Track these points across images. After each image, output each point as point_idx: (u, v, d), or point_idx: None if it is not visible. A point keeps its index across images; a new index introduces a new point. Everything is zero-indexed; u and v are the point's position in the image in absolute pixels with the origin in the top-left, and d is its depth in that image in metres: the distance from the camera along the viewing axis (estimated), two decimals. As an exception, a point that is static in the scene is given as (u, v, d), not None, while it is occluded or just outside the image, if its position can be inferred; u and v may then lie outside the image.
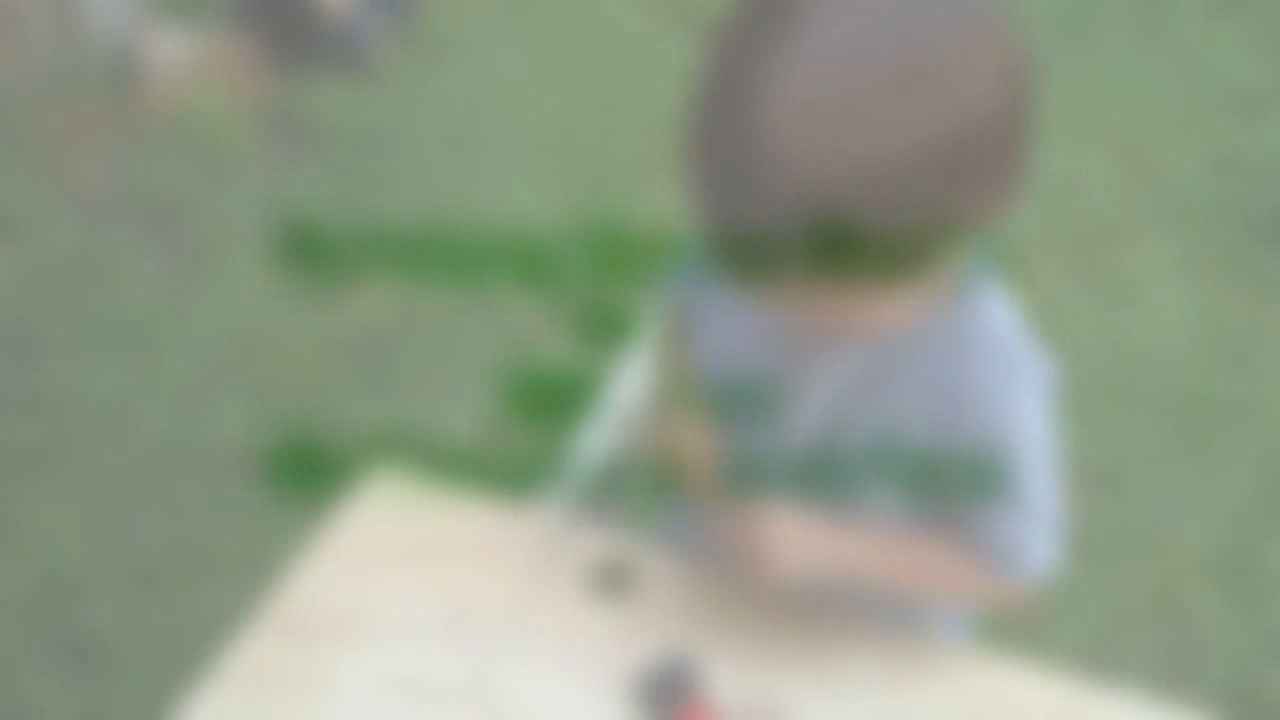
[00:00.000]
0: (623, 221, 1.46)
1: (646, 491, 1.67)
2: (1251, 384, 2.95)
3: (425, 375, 2.90)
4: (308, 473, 1.66)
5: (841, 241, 1.03)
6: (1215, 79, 4.04)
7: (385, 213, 3.33)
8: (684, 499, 1.56)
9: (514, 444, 2.71)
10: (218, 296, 3.04)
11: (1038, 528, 1.30)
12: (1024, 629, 2.37)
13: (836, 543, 1.32)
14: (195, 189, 3.34)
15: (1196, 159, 3.66)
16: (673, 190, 3.56)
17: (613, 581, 1.47)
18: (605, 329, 2.93)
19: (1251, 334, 3.09)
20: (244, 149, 3.48)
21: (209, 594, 2.40)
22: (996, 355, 1.22)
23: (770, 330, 1.29)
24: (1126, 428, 2.83)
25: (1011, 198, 1.10)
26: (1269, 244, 3.38)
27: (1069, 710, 1.36)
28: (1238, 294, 3.21)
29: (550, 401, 1.73)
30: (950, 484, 1.27)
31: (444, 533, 1.51)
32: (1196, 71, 4.09)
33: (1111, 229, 3.41)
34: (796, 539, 1.31)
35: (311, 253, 2.01)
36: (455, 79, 3.84)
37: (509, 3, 4.21)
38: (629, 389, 1.80)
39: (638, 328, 1.66)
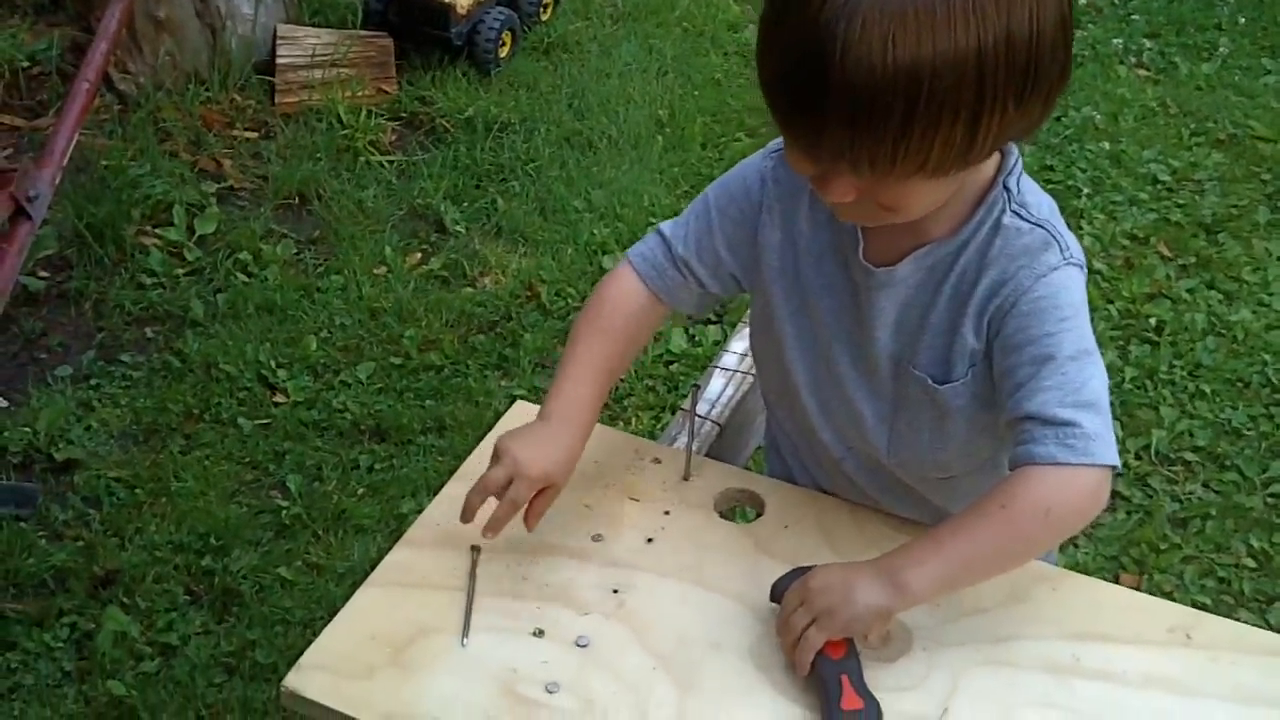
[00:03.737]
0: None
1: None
2: (1361, 371, 2.96)
3: (548, 352, 3.02)
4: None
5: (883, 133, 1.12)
6: (1327, 79, 4.04)
7: (507, 201, 3.47)
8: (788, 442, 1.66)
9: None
10: (349, 277, 3.20)
11: (1099, 426, 1.30)
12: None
13: (906, 554, 1.33)
14: (327, 178, 3.51)
15: (1308, 156, 3.67)
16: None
17: (738, 507, 1.57)
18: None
19: (1361, 323, 3.10)
20: (374, 141, 3.65)
21: (342, 547, 2.54)
22: (1035, 234, 1.31)
23: (844, 249, 1.39)
24: (1240, 414, 2.85)
25: (1044, 114, 1.20)
26: (1380, 238, 3.38)
27: (1181, 627, 1.41)
28: (1348, 285, 3.21)
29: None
30: None
31: (584, 459, 1.60)
32: (1308, 72, 4.09)
33: (1224, 222, 3.43)
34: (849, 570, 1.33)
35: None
36: (572, 78, 3.98)
37: (625, 7, 4.35)
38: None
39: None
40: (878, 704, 1.30)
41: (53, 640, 2.36)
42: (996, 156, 1.33)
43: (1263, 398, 2.88)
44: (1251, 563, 2.51)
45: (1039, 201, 1.35)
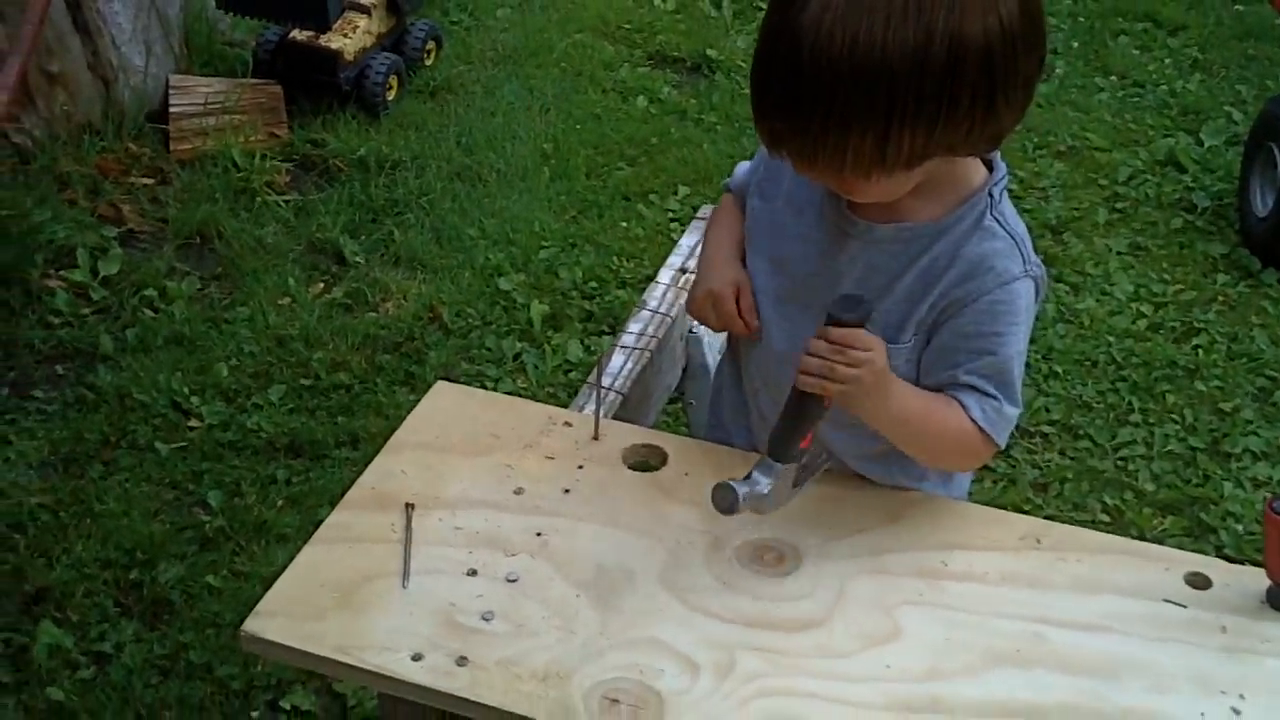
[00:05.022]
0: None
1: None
2: (1193, 348, 3.28)
3: (453, 366, 3.18)
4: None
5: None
6: (1152, 96, 4.42)
7: (404, 232, 3.63)
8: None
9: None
10: (255, 308, 3.32)
11: (1013, 412, 1.58)
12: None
13: (900, 388, 1.55)
14: (226, 218, 3.63)
15: (1140, 163, 4.02)
16: (651, 205, 3.94)
17: (644, 460, 1.75)
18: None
19: (1193, 306, 3.43)
20: (270, 182, 3.79)
21: (266, 555, 2.66)
22: (1006, 241, 1.53)
23: (829, 204, 1.60)
24: (1089, 389, 3.14)
25: (977, 136, 1.40)
26: (1206, 231, 3.73)
27: (1031, 534, 1.63)
28: (1179, 274, 3.55)
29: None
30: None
31: (501, 426, 1.77)
32: (1136, 90, 4.47)
33: (1067, 223, 3.75)
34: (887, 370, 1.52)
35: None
36: (458, 117, 4.17)
37: (505, 50, 4.56)
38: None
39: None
40: (826, 453, 1.56)
41: (-13, 656, 2.44)
42: (983, 168, 1.54)
43: (1109, 374, 3.18)
44: (1106, 518, 2.78)
45: (1016, 218, 1.56)
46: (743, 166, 1.78)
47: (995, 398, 1.56)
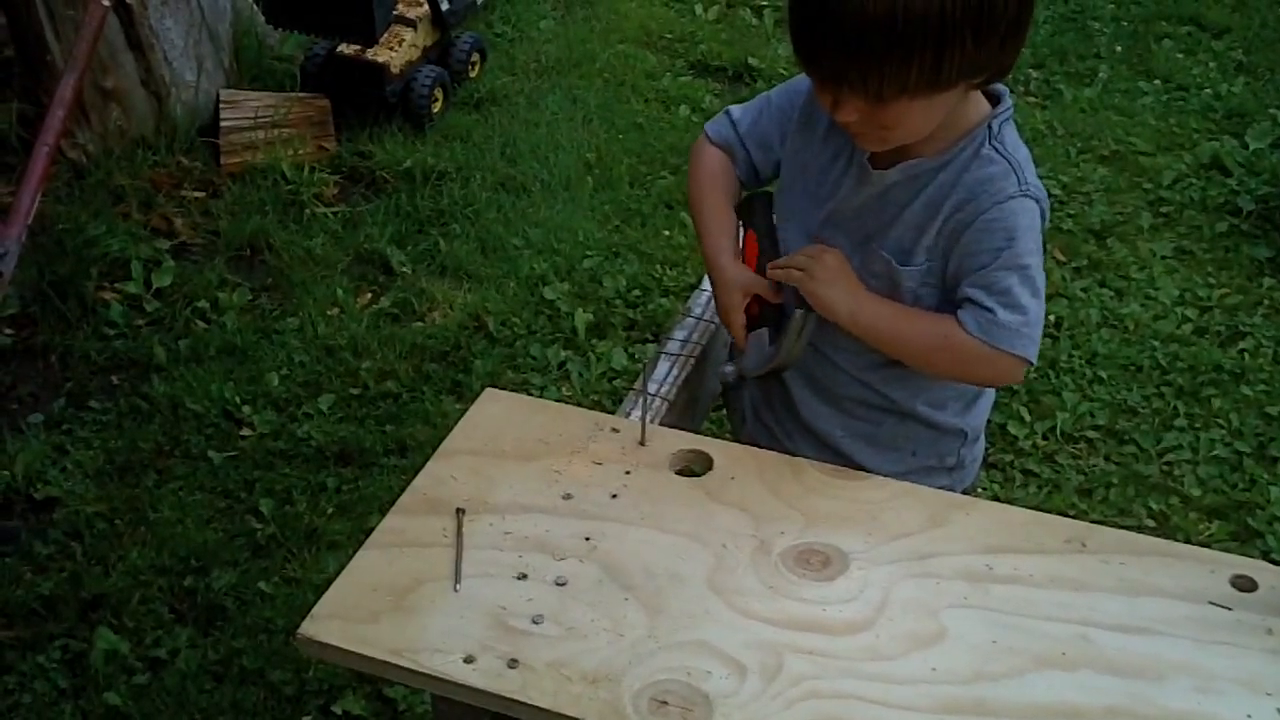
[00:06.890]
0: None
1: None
2: (1239, 352, 3.26)
3: (498, 375, 3.22)
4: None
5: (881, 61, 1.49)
6: (1196, 100, 4.40)
7: (449, 242, 3.68)
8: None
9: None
10: (305, 319, 3.37)
11: (1012, 319, 1.64)
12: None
13: (874, 297, 1.72)
14: (276, 230, 3.69)
15: (1184, 166, 4.00)
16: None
17: (690, 465, 1.77)
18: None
19: (1238, 310, 3.41)
20: (318, 195, 3.84)
21: (317, 561, 2.71)
22: (1002, 165, 1.64)
23: (854, 154, 1.72)
24: (1134, 394, 3.13)
25: (1002, 56, 1.54)
26: (1251, 235, 3.71)
27: (1076, 537, 1.64)
28: (1225, 277, 3.53)
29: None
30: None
31: (550, 432, 1.80)
32: (1180, 94, 4.45)
33: (1111, 228, 3.74)
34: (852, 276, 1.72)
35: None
36: (502, 129, 4.21)
37: (548, 62, 4.60)
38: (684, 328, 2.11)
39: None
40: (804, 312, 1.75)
41: (46, 661, 2.50)
42: (985, 104, 1.67)
43: (1154, 379, 3.17)
44: (1151, 523, 2.77)
45: (1016, 145, 1.67)
46: (732, 115, 1.88)
47: (990, 309, 1.65)
